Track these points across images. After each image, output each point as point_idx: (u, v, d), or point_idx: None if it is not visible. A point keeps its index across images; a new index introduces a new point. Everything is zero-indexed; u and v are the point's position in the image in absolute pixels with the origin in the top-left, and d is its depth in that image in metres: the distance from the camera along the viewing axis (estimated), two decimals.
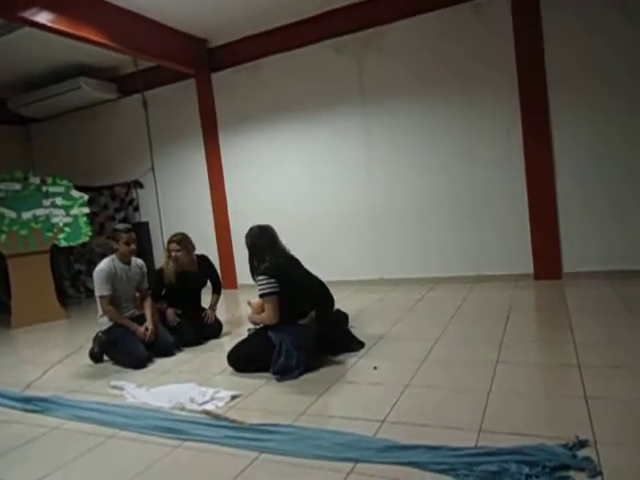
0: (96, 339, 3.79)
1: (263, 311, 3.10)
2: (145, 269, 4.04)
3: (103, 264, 3.73)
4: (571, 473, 1.68)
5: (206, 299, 4.31)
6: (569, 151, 4.80)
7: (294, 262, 3.31)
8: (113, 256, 3.81)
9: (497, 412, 2.22)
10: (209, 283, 4.33)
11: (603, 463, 1.71)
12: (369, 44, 5.50)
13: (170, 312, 4.01)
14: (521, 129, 4.92)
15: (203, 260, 4.26)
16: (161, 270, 4.11)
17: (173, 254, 4.01)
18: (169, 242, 4.09)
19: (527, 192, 4.97)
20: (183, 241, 4.06)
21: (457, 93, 5.18)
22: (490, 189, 5.12)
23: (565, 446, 1.81)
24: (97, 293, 3.69)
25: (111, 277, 3.69)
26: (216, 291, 4.30)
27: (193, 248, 4.13)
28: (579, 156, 4.76)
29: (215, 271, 4.36)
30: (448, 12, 5.08)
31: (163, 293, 4.10)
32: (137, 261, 3.97)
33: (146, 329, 3.67)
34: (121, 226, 3.91)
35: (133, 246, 3.80)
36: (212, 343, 4.02)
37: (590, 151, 4.71)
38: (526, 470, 1.71)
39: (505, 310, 3.99)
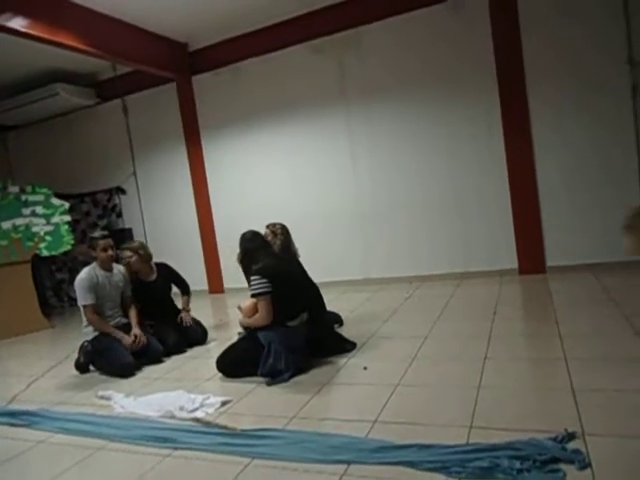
0: (82, 349, 3.73)
1: (254, 314, 3.09)
2: (128, 276, 3.99)
3: (83, 273, 3.67)
4: (561, 466, 1.70)
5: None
6: (549, 146, 4.87)
7: (288, 264, 3.30)
8: (94, 264, 3.75)
9: (487, 408, 2.23)
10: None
11: (592, 454, 1.73)
12: (350, 45, 5.51)
13: (137, 332, 3.89)
14: (501, 125, 4.98)
15: (162, 267, 4.21)
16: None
17: (126, 260, 3.98)
18: (122, 250, 4.05)
19: (509, 188, 5.03)
20: (135, 248, 4.03)
21: (438, 91, 5.22)
22: (474, 186, 5.17)
23: (554, 439, 1.83)
24: (80, 302, 3.63)
25: (93, 285, 3.63)
26: (184, 292, 4.28)
27: (148, 256, 4.08)
28: (559, 150, 4.83)
29: (176, 274, 4.30)
30: (427, 12, 5.12)
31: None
32: (119, 267, 3.92)
33: (135, 337, 3.60)
34: (97, 233, 3.89)
35: (111, 252, 3.75)
36: (199, 349, 3.98)
37: (570, 145, 4.79)
38: (517, 465, 1.72)
39: (492, 305, 4.03)
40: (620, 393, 2.20)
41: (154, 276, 4.11)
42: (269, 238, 3.62)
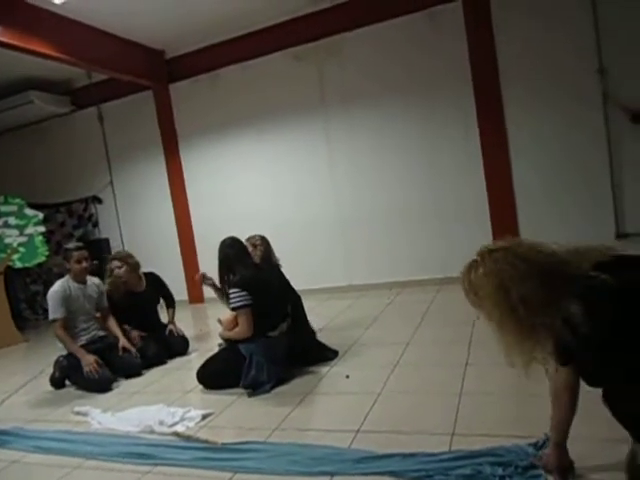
0: (57, 364, 3.62)
1: (234, 327, 3.05)
2: (103, 287, 3.90)
3: (57, 286, 3.58)
4: (542, 471, 1.71)
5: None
6: (525, 149, 4.95)
7: (268, 274, 3.27)
8: (67, 276, 3.66)
9: (469, 414, 2.24)
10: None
11: (573, 459, 1.75)
12: (329, 52, 5.54)
13: (135, 333, 3.87)
14: (478, 131, 5.06)
15: (151, 277, 4.14)
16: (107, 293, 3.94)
17: (116, 271, 3.89)
18: (110, 260, 3.98)
19: (487, 192, 5.10)
20: (124, 258, 3.96)
21: (417, 98, 5.28)
22: (452, 191, 5.23)
23: (535, 445, 1.85)
24: (50, 316, 3.53)
25: (65, 299, 3.53)
26: (170, 305, 4.22)
27: (137, 265, 4.01)
28: (535, 154, 4.91)
29: (165, 286, 4.24)
30: (405, 20, 5.18)
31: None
32: (93, 280, 3.83)
33: (96, 362, 3.43)
34: (71, 245, 3.79)
35: (85, 264, 3.65)
36: (179, 360, 3.91)
37: (545, 149, 4.86)
38: (499, 471, 1.73)
39: (472, 311, 4.03)
40: (600, 398, 2.23)
41: (143, 286, 4.03)
42: (250, 250, 3.58)
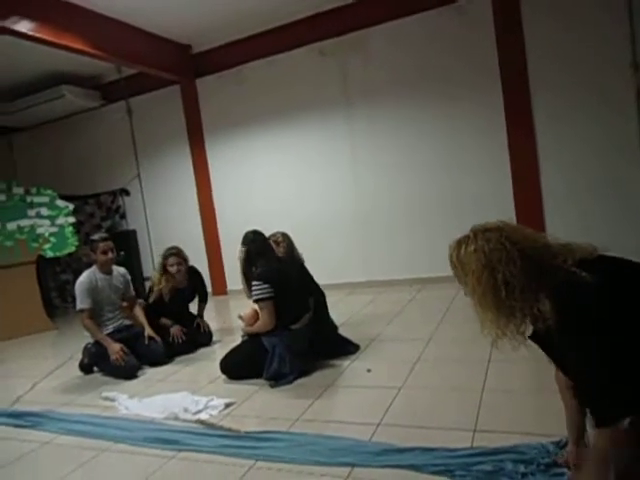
0: (85, 350, 3.74)
1: (255, 322, 3.10)
2: (129, 277, 4.00)
3: (83, 277, 3.68)
4: (565, 469, 1.70)
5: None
6: (553, 150, 4.86)
7: (290, 267, 3.30)
8: (94, 267, 3.76)
9: (491, 411, 2.24)
10: None
11: None
12: (353, 47, 5.52)
13: (176, 329, 3.89)
14: (505, 130, 4.98)
15: (193, 273, 4.15)
16: (152, 289, 3.96)
17: (175, 268, 3.87)
18: (168, 256, 3.90)
19: (513, 191, 5.02)
20: (181, 254, 3.95)
21: (441, 95, 5.22)
22: (476, 189, 5.17)
23: (558, 443, 1.83)
24: (77, 307, 3.63)
25: (91, 289, 3.63)
26: (203, 300, 4.26)
27: (187, 261, 4.05)
28: (563, 156, 4.82)
29: (204, 283, 4.29)
30: (431, 15, 5.13)
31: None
32: (119, 269, 3.92)
33: (122, 350, 3.51)
34: (97, 236, 3.86)
35: (110, 255, 3.74)
36: (203, 351, 3.99)
37: (573, 150, 4.78)
38: (522, 468, 1.73)
39: None
40: None
41: (185, 282, 4.03)
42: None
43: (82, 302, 3.60)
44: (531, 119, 4.89)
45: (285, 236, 3.67)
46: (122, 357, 3.49)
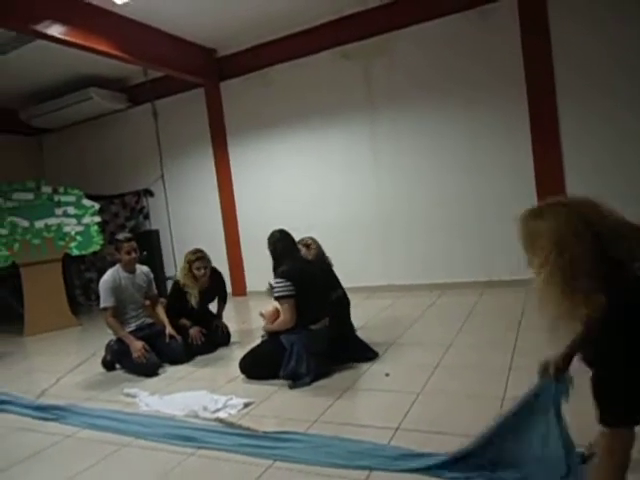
0: (108, 348, 3.82)
1: (276, 320, 3.11)
2: (151, 276, 4.07)
3: (107, 275, 3.75)
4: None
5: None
6: (579, 156, 4.76)
7: (314, 268, 3.31)
8: (117, 266, 3.83)
9: None
10: None
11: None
12: (377, 51, 5.52)
13: (195, 331, 3.92)
14: (529, 135, 4.91)
15: (216, 274, 4.17)
16: (179, 288, 3.98)
17: (202, 272, 3.90)
18: (194, 260, 3.91)
19: (537, 197, 4.93)
20: (206, 257, 3.97)
21: (464, 100, 5.18)
22: (498, 195, 5.10)
23: (581, 456, 1.79)
24: (101, 305, 3.70)
25: (115, 288, 3.71)
26: (223, 301, 4.30)
27: (210, 263, 4.07)
28: (588, 162, 4.72)
29: (225, 284, 4.34)
30: (455, 19, 5.10)
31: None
32: (142, 268, 3.99)
33: (143, 348, 3.56)
34: (121, 236, 3.93)
35: (134, 255, 3.81)
36: (222, 351, 4.02)
37: (600, 158, 4.67)
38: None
39: (517, 315, 3.96)
40: None
41: (208, 284, 4.05)
42: (302, 252, 3.53)
43: (106, 300, 3.66)
44: (557, 125, 4.80)
45: (312, 239, 3.69)
46: (144, 355, 3.54)
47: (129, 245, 3.80)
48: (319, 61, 5.83)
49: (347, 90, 5.73)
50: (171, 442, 2.37)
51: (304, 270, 3.15)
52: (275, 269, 3.22)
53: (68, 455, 2.41)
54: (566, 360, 1.61)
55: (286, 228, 3.54)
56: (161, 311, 3.94)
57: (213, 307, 4.30)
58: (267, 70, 6.15)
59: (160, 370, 3.61)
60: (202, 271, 3.91)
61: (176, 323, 3.94)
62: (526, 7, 4.81)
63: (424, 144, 5.42)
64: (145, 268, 4.04)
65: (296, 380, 2.96)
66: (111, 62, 5.52)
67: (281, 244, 3.22)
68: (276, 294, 3.06)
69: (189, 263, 3.93)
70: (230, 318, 4.63)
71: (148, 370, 3.53)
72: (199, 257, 3.94)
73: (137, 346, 3.57)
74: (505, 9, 4.89)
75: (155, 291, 4.06)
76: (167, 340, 3.78)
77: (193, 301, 3.93)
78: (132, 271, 3.87)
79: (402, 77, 5.44)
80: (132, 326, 3.80)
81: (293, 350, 3.00)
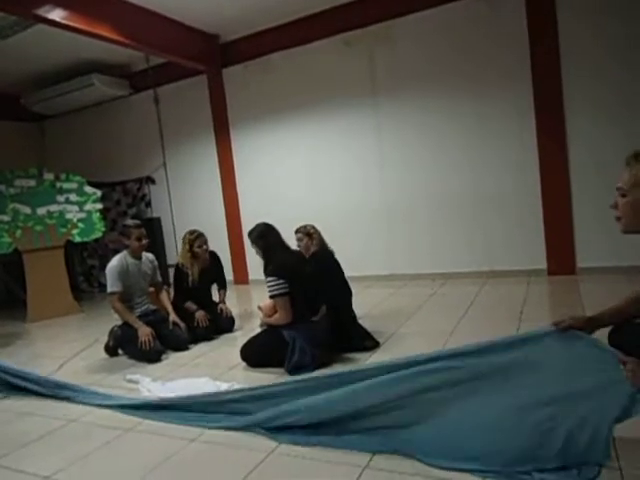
0: (112, 333, 3.84)
1: (274, 313, 3.12)
2: (156, 263, 4.09)
3: (115, 261, 3.77)
4: None
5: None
6: (584, 150, 4.73)
7: (305, 259, 3.31)
8: (125, 252, 3.85)
9: None
10: None
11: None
12: (380, 38, 5.47)
13: (201, 314, 3.96)
14: (535, 127, 4.87)
15: (213, 256, 4.25)
16: (179, 269, 4.06)
17: (203, 249, 4.00)
18: (194, 238, 4.01)
19: (541, 189, 4.92)
20: (204, 236, 4.07)
21: (469, 90, 5.13)
22: (502, 186, 5.09)
23: None
24: (108, 290, 3.72)
25: (123, 273, 3.72)
26: (222, 287, 4.34)
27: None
28: (593, 147, 4.69)
29: (222, 267, 4.38)
30: (459, 5, 5.03)
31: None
32: (148, 256, 4.01)
33: (150, 335, 3.58)
34: (131, 222, 3.94)
35: (144, 241, 3.84)
36: (225, 337, 4.05)
37: (606, 141, 4.63)
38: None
39: (519, 305, 3.97)
40: None
41: (207, 263, 4.14)
42: (304, 241, 3.56)
43: (113, 285, 3.68)
44: (563, 119, 4.76)
45: (314, 228, 3.68)
46: (150, 340, 3.57)
47: (139, 232, 3.82)
48: (322, 48, 5.77)
49: (351, 78, 5.69)
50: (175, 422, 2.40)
51: (295, 263, 3.13)
52: (266, 267, 3.18)
53: (73, 439, 2.43)
54: (589, 324, 1.70)
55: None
56: (165, 298, 3.97)
57: (215, 295, 4.32)
58: (269, 56, 6.10)
59: (163, 356, 3.62)
60: (203, 247, 4.01)
61: (181, 307, 3.97)
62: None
63: (428, 134, 5.38)
64: (150, 255, 4.06)
65: (299, 369, 2.96)
66: (113, 48, 5.48)
67: (262, 241, 3.18)
68: (269, 293, 3.06)
69: (190, 243, 4.01)
70: (233, 305, 4.65)
71: (152, 356, 3.55)
72: (198, 235, 4.03)
73: (145, 331, 3.59)
74: None
75: (159, 278, 4.08)
76: (170, 327, 3.79)
77: (191, 279, 3.99)
78: (139, 257, 3.89)
79: (406, 65, 5.39)
80: (137, 312, 3.82)
81: (296, 344, 2.99)
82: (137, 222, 3.96)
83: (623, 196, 1.59)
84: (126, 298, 3.77)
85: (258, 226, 3.30)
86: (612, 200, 1.66)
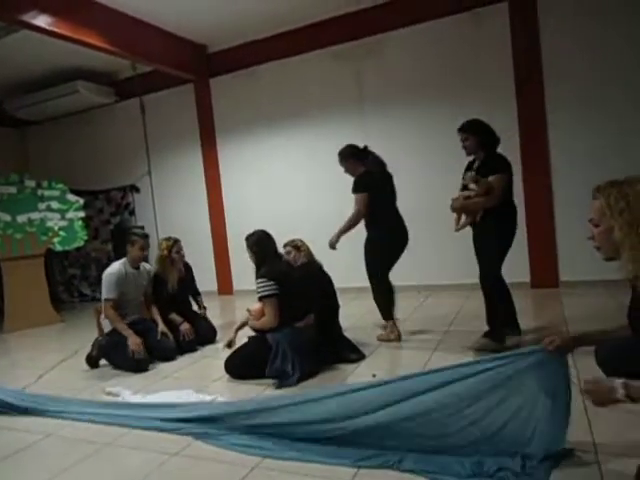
0: (95, 343, 3.76)
1: (263, 316, 3.10)
2: (152, 274, 4.03)
3: (114, 268, 3.74)
4: None
5: None
6: (567, 165, 4.83)
7: (296, 270, 3.31)
8: (124, 260, 3.82)
9: None
10: None
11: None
12: (368, 52, 5.53)
13: (187, 327, 3.92)
14: (518, 141, 4.95)
15: (187, 266, 4.28)
16: (157, 277, 4.02)
17: (179, 254, 4.01)
18: (172, 244, 4.01)
19: (524, 203, 4.97)
20: (180, 242, 4.09)
21: (455, 101, 5.19)
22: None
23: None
24: (103, 296, 3.68)
25: (121, 281, 3.69)
26: (198, 293, 4.37)
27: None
28: (576, 159, 4.78)
29: (194, 277, 4.39)
30: (447, 21, 5.13)
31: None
32: (145, 266, 4.00)
33: (138, 345, 3.53)
34: (139, 231, 3.97)
35: (146, 252, 3.85)
36: (209, 348, 4.00)
37: (588, 155, 4.73)
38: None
39: None
40: (632, 414, 2.16)
41: (182, 273, 4.14)
42: (292, 254, 3.56)
43: (109, 292, 3.64)
44: (546, 135, 4.87)
45: (303, 242, 3.71)
46: (140, 350, 3.51)
47: (144, 242, 3.84)
48: (310, 60, 5.82)
49: (338, 90, 5.73)
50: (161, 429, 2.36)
51: (286, 270, 3.17)
52: (258, 270, 3.19)
53: (49, 454, 2.35)
54: (577, 343, 1.84)
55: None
56: (154, 310, 3.92)
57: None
58: (257, 68, 6.12)
59: (150, 366, 3.56)
60: (181, 252, 4.04)
61: (165, 318, 3.93)
62: (517, 9, 4.85)
63: (415, 146, 5.44)
64: (148, 266, 4.04)
65: (282, 379, 2.94)
66: (99, 55, 5.44)
67: (258, 248, 3.21)
68: (259, 294, 3.06)
69: (168, 248, 4.01)
70: (216, 316, 4.60)
71: (140, 366, 3.50)
72: (175, 241, 4.06)
73: (136, 340, 3.54)
74: (496, 12, 4.93)
75: (151, 289, 4.03)
76: (159, 337, 3.74)
77: (170, 285, 3.97)
78: (137, 267, 3.85)
79: (394, 78, 5.45)
80: (127, 320, 3.75)
81: (279, 349, 2.98)
82: (144, 232, 4.01)
83: (596, 226, 1.70)
84: (119, 306, 3.72)
85: (257, 233, 3.30)
86: (589, 233, 1.74)
